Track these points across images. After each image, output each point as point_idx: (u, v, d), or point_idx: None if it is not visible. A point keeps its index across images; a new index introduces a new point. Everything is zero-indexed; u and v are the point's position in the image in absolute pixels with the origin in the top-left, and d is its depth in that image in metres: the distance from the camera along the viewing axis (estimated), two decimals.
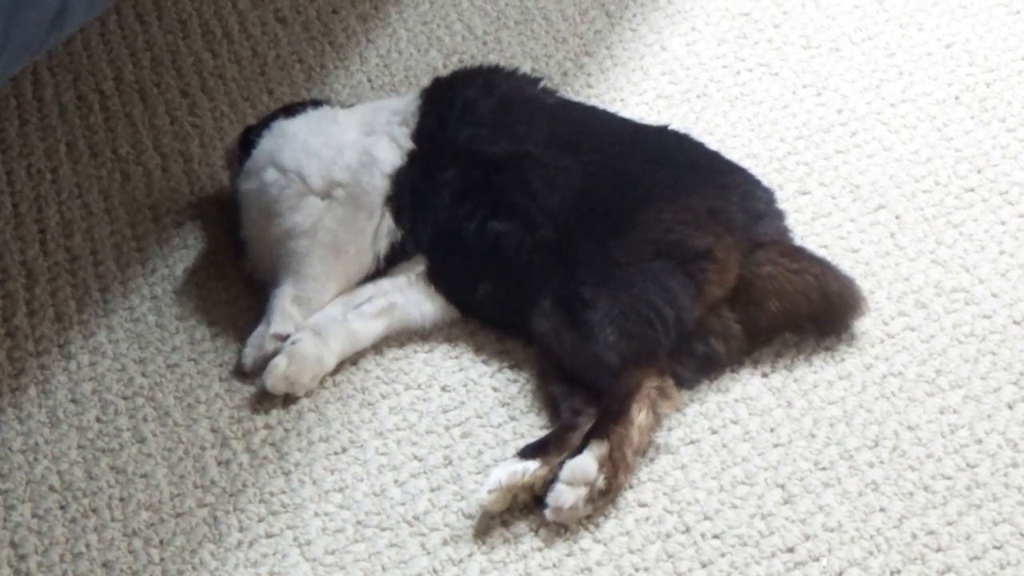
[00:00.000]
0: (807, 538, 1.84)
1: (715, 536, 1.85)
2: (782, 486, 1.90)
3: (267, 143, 2.19)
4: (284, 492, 1.93)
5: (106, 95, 2.53)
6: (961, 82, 2.46)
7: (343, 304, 2.09)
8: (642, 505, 1.89)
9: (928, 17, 2.59)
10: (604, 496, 1.87)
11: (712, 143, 2.25)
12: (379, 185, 2.12)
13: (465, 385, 2.05)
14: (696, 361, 2.01)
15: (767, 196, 2.14)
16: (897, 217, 2.24)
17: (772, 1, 2.64)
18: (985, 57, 2.51)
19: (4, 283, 2.22)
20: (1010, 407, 1.98)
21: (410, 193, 2.12)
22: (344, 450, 1.98)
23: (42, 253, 2.26)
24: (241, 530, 1.89)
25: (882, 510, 1.87)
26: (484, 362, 2.08)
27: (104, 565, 1.87)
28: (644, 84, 2.49)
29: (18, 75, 2.50)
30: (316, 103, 2.27)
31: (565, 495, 1.85)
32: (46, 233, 2.30)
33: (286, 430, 2.01)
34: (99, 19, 2.64)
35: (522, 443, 1.94)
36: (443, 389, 2.05)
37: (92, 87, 2.55)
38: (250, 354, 2.07)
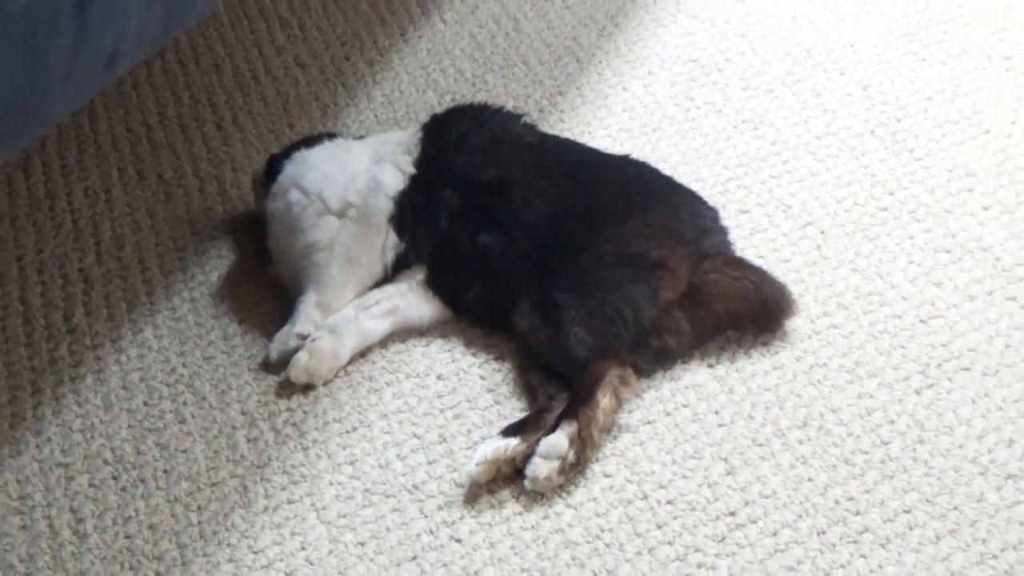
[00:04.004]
0: (746, 504, 1.85)
1: (668, 502, 1.86)
2: (725, 460, 1.90)
3: (291, 169, 2.18)
4: (303, 465, 1.93)
5: (151, 128, 2.53)
6: (876, 118, 2.47)
7: (355, 307, 2.08)
8: (607, 476, 1.89)
9: (848, 63, 2.60)
10: (574, 468, 1.87)
11: (666, 169, 2.25)
12: (384, 206, 2.11)
13: (457, 374, 2.05)
14: (652, 354, 2.01)
15: (712, 214, 2.13)
16: (822, 232, 2.24)
17: (716, 49, 2.64)
18: (896, 97, 2.51)
19: (65, 287, 2.22)
20: (918, 393, 1.98)
21: (412, 211, 2.11)
22: (354, 429, 1.98)
23: (97, 262, 2.26)
24: (266, 497, 1.90)
25: (810, 480, 1.87)
26: (473, 354, 2.08)
27: (150, 527, 1.87)
28: (608, 120, 2.49)
29: (77, 110, 2.51)
30: (331, 135, 2.26)
31: (541, 467, 1.85)
32: (100, 245, 2.29)
33: (305, 412, 2.01)
34: (146, 62, 2.64)
35: (505, 423, 1.94)
36: (438, 378, 2.05)
37: (140, 121, 2.54)
38: (276, 349, 2.06)
